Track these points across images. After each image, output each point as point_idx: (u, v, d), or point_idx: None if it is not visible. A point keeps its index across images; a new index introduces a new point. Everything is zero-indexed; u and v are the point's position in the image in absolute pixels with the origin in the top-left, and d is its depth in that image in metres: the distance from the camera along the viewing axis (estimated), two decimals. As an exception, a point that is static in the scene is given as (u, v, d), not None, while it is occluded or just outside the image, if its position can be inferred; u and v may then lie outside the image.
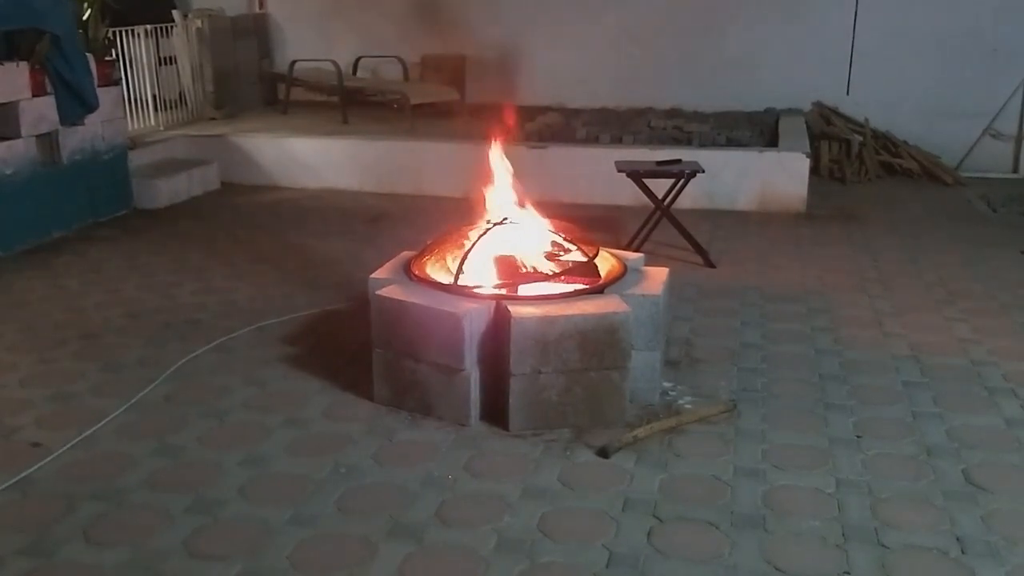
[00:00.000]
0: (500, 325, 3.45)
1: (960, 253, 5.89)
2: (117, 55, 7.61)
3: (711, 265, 5.60)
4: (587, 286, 3.71)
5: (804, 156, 7.02)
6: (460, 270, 3.65)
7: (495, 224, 3.84)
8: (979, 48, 8.44)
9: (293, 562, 2.68)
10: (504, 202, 4.00)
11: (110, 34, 7.41)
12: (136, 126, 8.11)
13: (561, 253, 3.85)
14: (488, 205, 4.01)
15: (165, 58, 8.80)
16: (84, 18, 6.84)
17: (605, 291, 3.64)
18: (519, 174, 4.09)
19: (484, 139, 4.20)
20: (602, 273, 3.83)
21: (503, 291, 3.63)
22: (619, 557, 2.69)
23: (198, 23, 8.97)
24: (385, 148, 7.85)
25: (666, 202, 5.72)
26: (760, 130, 8.21)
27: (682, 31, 9.18)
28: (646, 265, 4.02)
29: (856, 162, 8.26)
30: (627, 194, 6.17)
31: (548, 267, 3.76)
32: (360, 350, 4.02)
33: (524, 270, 3.74)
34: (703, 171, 5.73)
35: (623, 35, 9.32)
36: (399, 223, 6.68)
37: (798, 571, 2.64)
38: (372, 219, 6.83)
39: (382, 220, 6.80)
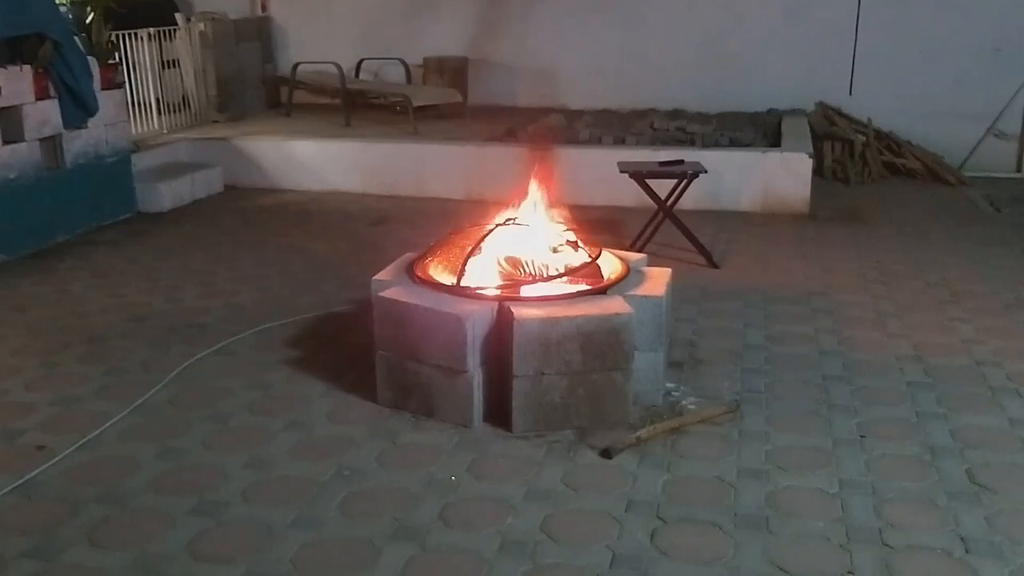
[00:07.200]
0: (503, 327, 3.45)
1: (964, 253, 5.87)
2: (120, 59, 7.63)
3: (714, 266, 5.60)
4: (590, 287, 3.71)
5: (807, 156, 7.00)
6: (463, 272, 3.65)
7: (498, 225, 3.84)
8: (982, 47, 8.42)
9: (296, 565, 2.68)
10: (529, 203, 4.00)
11: (113, 38, 7.42)
12: (139, 130, 8.13)
13: (564, 253, 3.85)
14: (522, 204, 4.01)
15: (168, 61, 8.81)
16: (87, 22, 6.85)
17: (608, 292, 3.64)
18: (522, 177, 4.10)
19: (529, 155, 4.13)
20: (605, 274, 3.83)
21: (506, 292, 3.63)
22: (622, 558, 2.69)
23: (201, 26, 9.00)
24: (388, 150, 7.87)
25: (669, 203, 5.72)
26: (763, 131, 8.20)
27: (684, 31, 9.18)
28: (649, 266, 4.02)
29: (859, 162, 8.25)
30: (630, 195, 6.17)
31: (551, 268, 3.76)
32: (363, 352, 4.02)
33: (528, 271, 3.74)
34: (706, 172, 5.73)
35: (625, 36, 9.32)
36: (402, 225, 6.68)
37: (802, 572, 2.63)
38: (375, 221, 6.83)
39: (385, 222, 6.81)
